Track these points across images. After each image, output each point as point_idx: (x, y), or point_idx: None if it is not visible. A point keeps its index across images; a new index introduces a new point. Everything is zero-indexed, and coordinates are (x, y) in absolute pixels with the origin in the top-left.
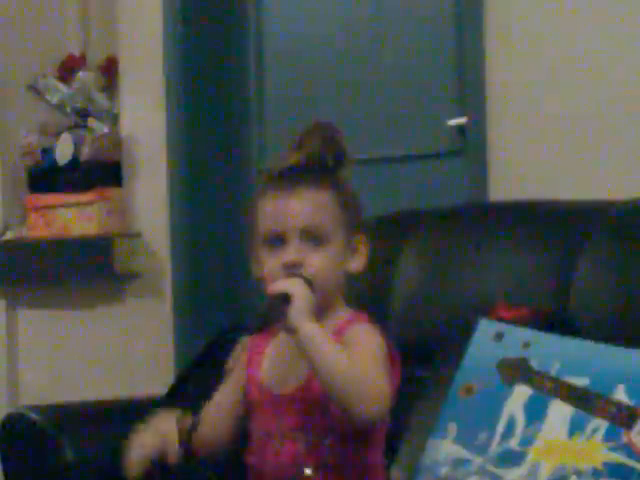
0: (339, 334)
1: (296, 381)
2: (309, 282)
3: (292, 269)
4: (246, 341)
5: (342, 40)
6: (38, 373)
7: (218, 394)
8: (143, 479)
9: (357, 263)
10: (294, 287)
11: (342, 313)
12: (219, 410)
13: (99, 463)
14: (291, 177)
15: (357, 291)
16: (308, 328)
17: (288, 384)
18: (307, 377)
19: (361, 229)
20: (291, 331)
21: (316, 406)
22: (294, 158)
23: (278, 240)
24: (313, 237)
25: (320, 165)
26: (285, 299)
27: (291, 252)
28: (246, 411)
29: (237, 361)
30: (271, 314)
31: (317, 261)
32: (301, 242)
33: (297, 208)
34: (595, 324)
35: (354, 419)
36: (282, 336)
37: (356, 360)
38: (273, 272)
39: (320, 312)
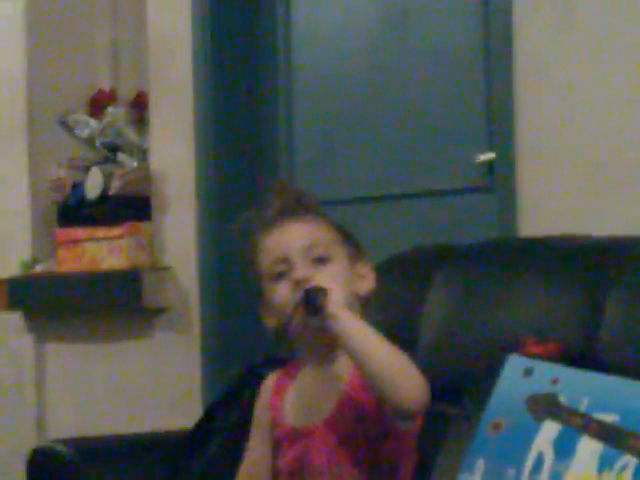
0: None
1: (322, 415)
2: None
3: (304, 285)
4: (268, 383)
5: (371, 77)
6: (66, 407)
7: (250, 451)
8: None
9: (366, 286)
10: (329, 282)
11: None
12: (255, 467)
13: None
14: (283, 215)
15: (385, 325)
16: (349, 314)
17: (314, 419)
18: (333, 410)
19: (363, 256)
20: (331, 320)
21: (344, 439)
22: (277, 204)
23: (284, 266)
24: (317, 257)
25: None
26: (321, 292)
27: (299, 270)
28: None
29: (261, 411)
30: (309, 305)
31: (325, 278)
32: (306, 263)
33: (297, 230)
34: (624, 360)
35: (399, 402)
36: (304, 373)
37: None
38: (285, 296)
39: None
